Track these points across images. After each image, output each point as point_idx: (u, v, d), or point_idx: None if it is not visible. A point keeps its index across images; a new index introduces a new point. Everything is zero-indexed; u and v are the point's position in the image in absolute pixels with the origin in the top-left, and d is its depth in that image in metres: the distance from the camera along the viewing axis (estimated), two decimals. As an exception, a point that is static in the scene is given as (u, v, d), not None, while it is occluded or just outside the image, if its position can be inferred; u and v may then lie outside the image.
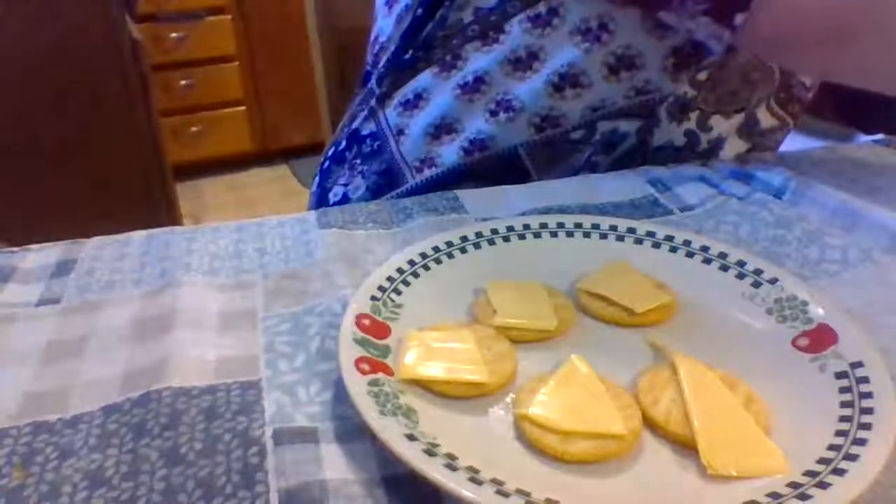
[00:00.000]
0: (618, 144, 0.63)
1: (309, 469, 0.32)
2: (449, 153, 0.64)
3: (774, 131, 0.69)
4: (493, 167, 0.63)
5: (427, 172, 0.65)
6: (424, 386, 0.35)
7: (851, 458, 0.29)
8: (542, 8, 0.59)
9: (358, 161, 0.71)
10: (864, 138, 0.70)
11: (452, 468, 0.29)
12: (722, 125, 0.65)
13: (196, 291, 0.44)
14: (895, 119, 0.68)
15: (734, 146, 0.67)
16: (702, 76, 0.61)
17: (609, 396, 0.34)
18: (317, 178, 0.77)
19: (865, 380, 0.33)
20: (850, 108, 0.74)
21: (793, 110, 0.69)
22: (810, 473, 0.29)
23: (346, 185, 0.71)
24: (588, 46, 0.59)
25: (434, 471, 0.29)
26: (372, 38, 0.74)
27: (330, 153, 0.76)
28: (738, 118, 0.65)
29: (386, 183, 0.68)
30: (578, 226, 0.47)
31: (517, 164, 0.64)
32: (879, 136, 0.68)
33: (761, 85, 0.64)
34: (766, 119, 0.67)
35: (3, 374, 0.38)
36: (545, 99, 0.61)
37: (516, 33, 0.60)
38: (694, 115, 0.64)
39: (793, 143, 0.70)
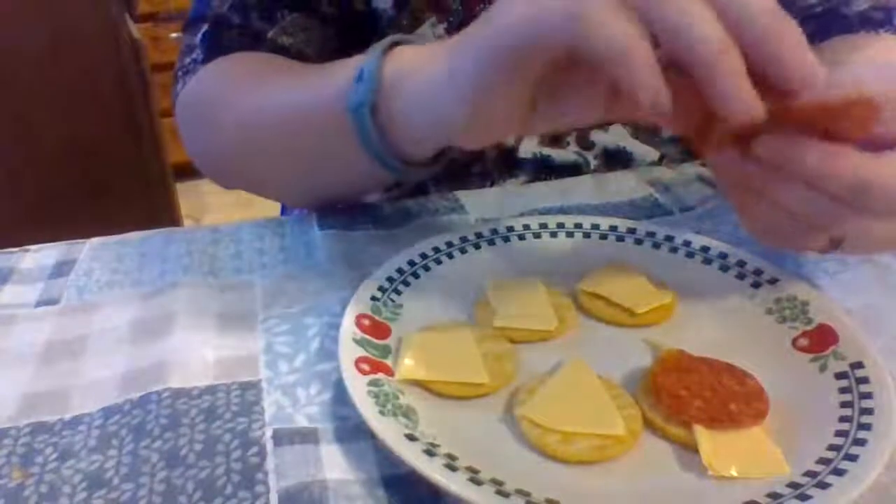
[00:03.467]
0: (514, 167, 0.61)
1: (309, 469, 0.32)
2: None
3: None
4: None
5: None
6: (424, 386, 0.35)
7: (851, 458, 0.29)
8: None
9: None
10: None
11: (452, 468, 0.29)
12: (607, 135, 0.61)
13: (195, 292, 0.44)
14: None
15: (642, 153, 0.62)
16: None
17: (609, 396, 0.34)
18: None
19: (865, 380, 0.33)
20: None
21: None
22: (810, 473, 0.29)
23: None
24: None
25: (434, 471, 0.29)
26: None
27: None
28: (620, 127, 0.61)
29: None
30: (578, 226, 0.47)
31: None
32: None
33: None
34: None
35: (3, 374, 0.38)
36: None
37: None
38: (571, 138, 0.61)
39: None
